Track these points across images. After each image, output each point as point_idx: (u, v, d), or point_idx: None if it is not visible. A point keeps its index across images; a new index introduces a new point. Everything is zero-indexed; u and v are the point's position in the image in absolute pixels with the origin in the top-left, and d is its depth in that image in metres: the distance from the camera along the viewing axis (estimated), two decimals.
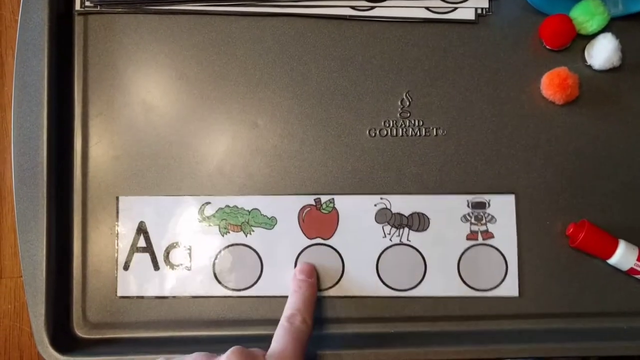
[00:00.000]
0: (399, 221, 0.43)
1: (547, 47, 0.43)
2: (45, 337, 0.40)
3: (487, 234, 0.43)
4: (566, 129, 0.43)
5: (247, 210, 0.43)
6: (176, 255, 0.43)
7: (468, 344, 0.41)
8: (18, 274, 0.45)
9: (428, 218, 0.43)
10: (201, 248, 0.43)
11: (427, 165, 0.43)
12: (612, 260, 0.41)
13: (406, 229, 0.43)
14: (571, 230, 0.42)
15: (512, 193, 0.43)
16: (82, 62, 0.43)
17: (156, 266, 0.43)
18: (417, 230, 0.43)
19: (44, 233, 0.41)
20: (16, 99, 0.41)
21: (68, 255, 0.43)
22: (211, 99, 0.43)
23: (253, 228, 0.43)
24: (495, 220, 0.43)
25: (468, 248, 0.43)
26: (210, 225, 0.43)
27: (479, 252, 0.42)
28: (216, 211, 0.43)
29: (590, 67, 0.43)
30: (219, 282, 0.43)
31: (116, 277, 0.43)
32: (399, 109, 0.43)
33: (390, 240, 0.43)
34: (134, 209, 0.43)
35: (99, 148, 0.43)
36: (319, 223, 0.43)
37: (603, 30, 0.42)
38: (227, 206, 0.43)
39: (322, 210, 0.43)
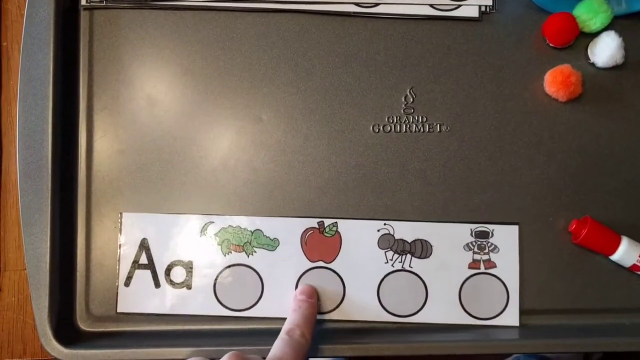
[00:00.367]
0: (402, 247, 0.42)
1: (551, 44, 0.43)
2: (49, 330, 0.40)
3: (490, 263, 0.42)
4: (569, 126, 0.43)
5: (250, 231, 0.42)
6: (177, 274, 0.42)
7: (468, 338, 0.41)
8: (22, 266, 0.45)
9: (431, 245, 0.42)
10: (203, 267, 0.42)
11: (430, 161, 0.43)
12: (615, 257, 0.41)
13: (409, 256, 0.42)
14: (574, 226, 0.42)
15: (515, 223, 0.43)
16: (88, 56, 0.44)
17: (157, 284, 0.42)
18: (419, 257, 0.42)
19: (48, 226, 0.41)
20: (22, 93, 0.41)
21: (72, 248, 0.43)
22: (216, 94, 0.44)
23: (255, 249, 0.42)
24: (498, 250, 0.42)
25: (470, 277, 0.42)
26: (212, 244, 0.43)
27: (481, 281, 0.42)
28: (219, 230, 0.43)
29: (593, 64, 0.43)
30: (220, 302, 0.42)
31: (117, 293, 0.42)
32: (403, 105, 0.44)
33: (393, 266, 0.42)
34: (137, 226, 0.43)
35: (104, 142, 0.43)
36: (322, 246, 0.42)
37: (606, 28, 0.43)
38: (230, 226, 0.43)
39: (325, 234, 0.43)
